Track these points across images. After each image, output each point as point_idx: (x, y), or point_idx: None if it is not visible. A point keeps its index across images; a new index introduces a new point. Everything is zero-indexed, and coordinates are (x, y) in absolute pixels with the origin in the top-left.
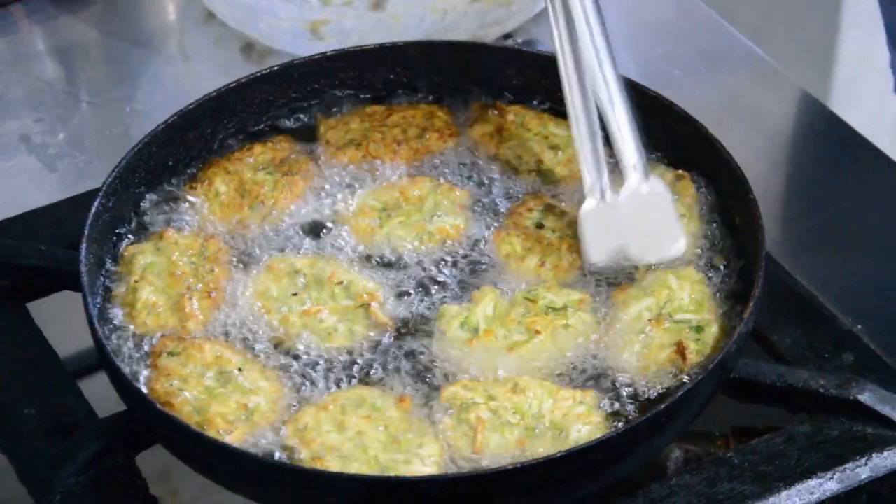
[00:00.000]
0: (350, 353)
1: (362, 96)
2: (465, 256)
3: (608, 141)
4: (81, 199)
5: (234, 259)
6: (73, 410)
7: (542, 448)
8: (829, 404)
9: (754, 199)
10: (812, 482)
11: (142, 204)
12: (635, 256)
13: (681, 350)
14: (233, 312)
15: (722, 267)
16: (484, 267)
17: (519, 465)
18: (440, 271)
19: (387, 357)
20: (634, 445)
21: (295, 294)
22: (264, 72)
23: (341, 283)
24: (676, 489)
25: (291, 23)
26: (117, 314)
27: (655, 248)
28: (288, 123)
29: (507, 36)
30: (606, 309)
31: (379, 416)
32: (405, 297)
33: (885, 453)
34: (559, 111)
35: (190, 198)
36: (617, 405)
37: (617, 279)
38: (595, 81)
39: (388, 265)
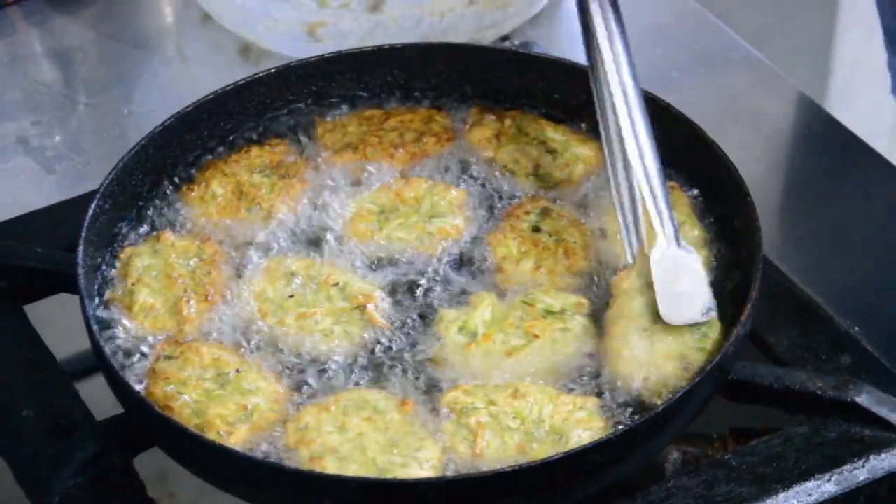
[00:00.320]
0: (346, 355)
1: (360, 98)
2: (462, 259)
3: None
4: (79, 201)
5: (231, 261)
6: (71, 412)
7: (543, 453)
8: (827, 406)
9: (751, 201)
10: (810, 484)
11: (139, 206)
12: (665, 317)
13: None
14: (230, 314)
15: (718, 268)
16: (481, 270)
17: (517, 468)
18: (437, 273)
19: (384, 359)
20: (632, 447)
21: (291, 296)
22: (261, 74)
23: (337, 284)
24: (674, 491)
25: (289, 25)
26: (115, 316)
27: (686, 312)
28: (285, 126)
29: (505, 38)
30: (604, 311)
31: (380, 419)
32: (402, 300)
33: (883, 455)
34: (556, 116)
35: (187, 200)
36: (616, 408)
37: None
38: (638, 175)
39: (384, 267)
